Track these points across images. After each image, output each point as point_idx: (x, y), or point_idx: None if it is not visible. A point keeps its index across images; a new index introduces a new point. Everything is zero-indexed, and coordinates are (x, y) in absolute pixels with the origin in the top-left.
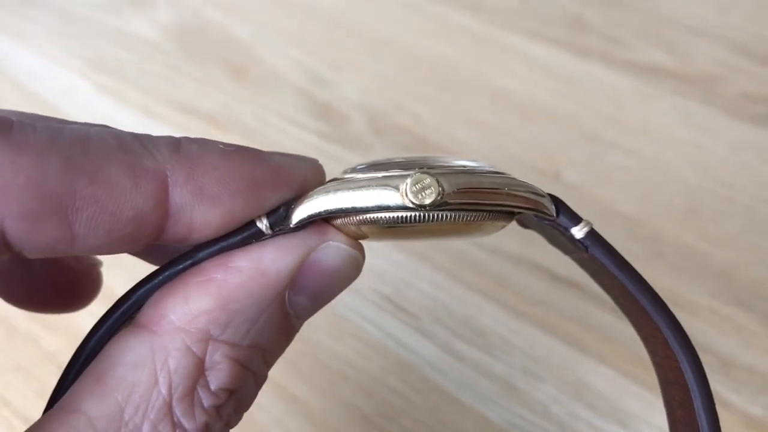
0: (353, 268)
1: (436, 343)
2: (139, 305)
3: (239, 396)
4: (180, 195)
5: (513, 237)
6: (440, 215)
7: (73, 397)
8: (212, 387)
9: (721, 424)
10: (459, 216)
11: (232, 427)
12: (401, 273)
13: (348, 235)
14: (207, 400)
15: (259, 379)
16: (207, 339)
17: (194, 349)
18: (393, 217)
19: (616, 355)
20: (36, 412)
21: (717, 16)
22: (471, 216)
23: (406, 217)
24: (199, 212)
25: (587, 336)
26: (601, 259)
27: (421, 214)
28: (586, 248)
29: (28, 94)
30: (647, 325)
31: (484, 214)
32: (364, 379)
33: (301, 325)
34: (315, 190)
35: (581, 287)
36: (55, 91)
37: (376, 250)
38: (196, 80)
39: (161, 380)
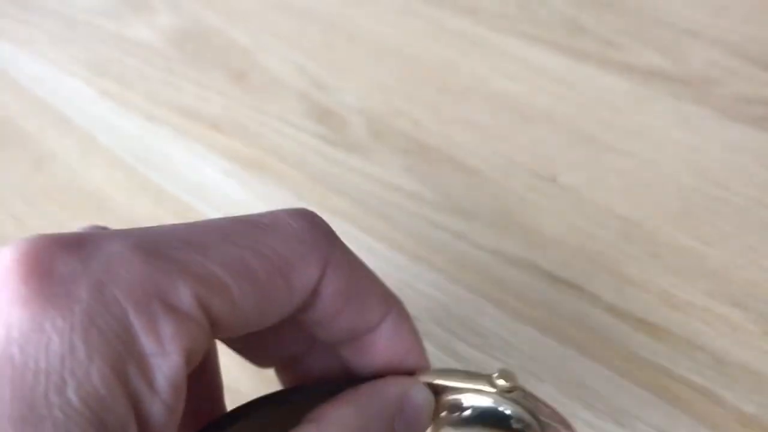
0: (429, 409)
1: (436, 343)
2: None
3: None
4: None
5: (513, 239)
6: None
7: None
8: None
9: (716, 422)
10: None
11: None
12: (401, 274)
13: None
14: None
15: None
16: None
17: None
18: None
19: (613, 354)
20: None
21: (712, 18)
22: None
23: None
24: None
25: (585, 336)
26: None
27: None
28: None
29: (31, 99)
30: None
31: None
32: None
33: None
34: None
35: (580, 289)
36: (57, 95)
37: (375, 251)
38: (198, 85)
39: None
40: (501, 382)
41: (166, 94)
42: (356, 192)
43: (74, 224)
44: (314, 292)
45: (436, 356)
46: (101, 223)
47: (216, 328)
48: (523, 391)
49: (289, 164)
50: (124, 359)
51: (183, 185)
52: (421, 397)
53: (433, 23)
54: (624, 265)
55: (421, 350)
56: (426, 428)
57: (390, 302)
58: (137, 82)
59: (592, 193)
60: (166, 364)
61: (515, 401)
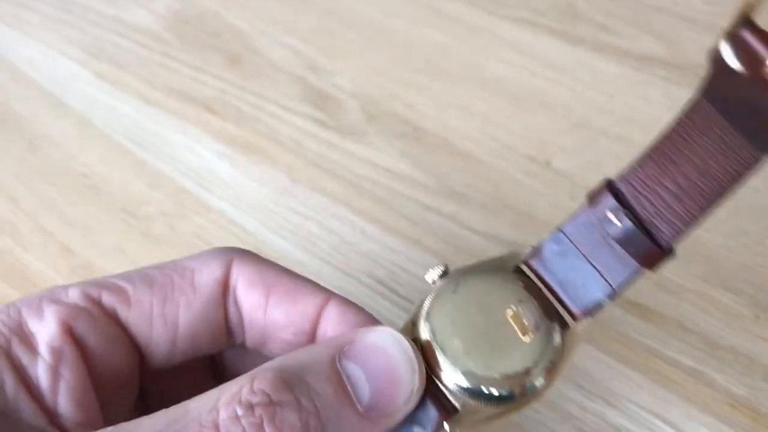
0: (404, 359)
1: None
2: None
3: (279, 410)
4: (332, 308)
5: (506, 222)
6: None
7: None
8: (254, 387)
9: (707, 403)
10: None
11: None
12: (395, 257)
13: None
14: (247, 394)
15: (303, 411)
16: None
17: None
18: None
19: (604, 336)
20: None
21: (707, 4)
22: None
23: None
24: (335, 325)
25: None
26: None
27: None
28: None
29: (27, 81)
30: None
31: None
32: None
33: (374, 414)
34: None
35: None
36: (53, 78)
37: (369, 234)
38: (193, 68)
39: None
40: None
41: (161, 77)
42: (350, 175)
43: (69, 206)
44: (225, 288)
45: None
46: (95, 206)
47: (129, 331)
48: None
49: (283, 147)
50: (9, 337)
51: (178, 167)
52: (383, 337)
53: (428, 8)
54: None
55: (374, 321)
56: (410, 382)
57: (326, 291)
58: (133, 65)
59: (585, 177)
60: (45, 331)
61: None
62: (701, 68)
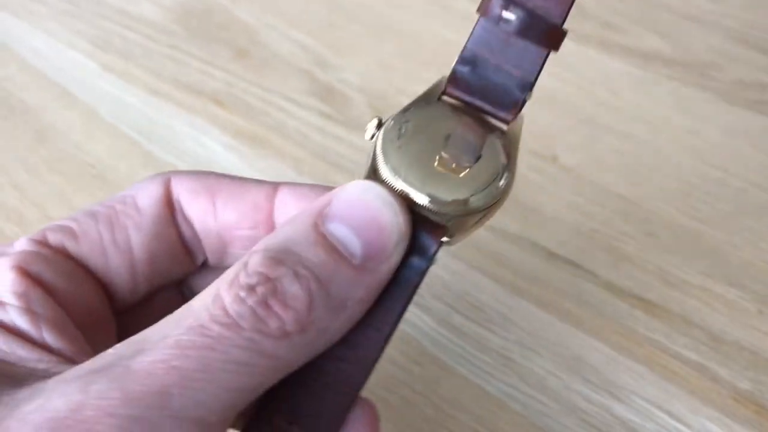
0: (382, 203)
1: (435, 317)
2: None
3: (278, 284)
4: (284, 192)
5: (512, 216)
6: None
7: None
8: (249, 270)
9: (711, 397)
10: None
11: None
12: None
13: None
14: (244, 278)
15: (302, 279)
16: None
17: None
18: None
19: (609, 330)
20: None
21: (712, 4)
22: None
23: None
24: (294, 204)
25: (581, 312)
26: None
27: None
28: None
29: (35, 73)
30: None
31: None
32: None
33: (366, 265)
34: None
35: (576, 265)
36: (61, 70)
37: None
38: (201, 61)
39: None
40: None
41: (169, 70)
42: (357, 168)
43: (76, 196)
44: (169, 203)
45: (434, 329)
46: (102, 195)
47: (85, 263)
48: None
49: (290, 140)
50: None
51: (184, 159)
52: (356, 190)
53: (436, 3)
54: (622, 243)
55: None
56: (396, 223)
57: (273, 183)
58: (140, 57)
59: (591, 173)
60: (2, 281)
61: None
62: (706, 66)
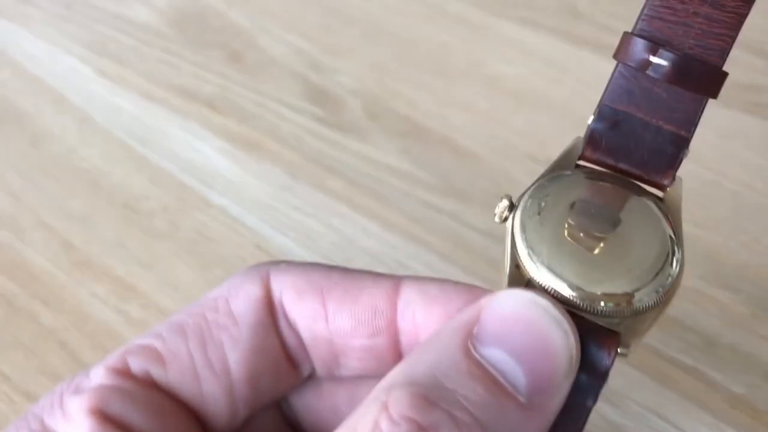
0: (548, 320)
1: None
2: None
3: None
4: (407, 291)
5: None
6: None
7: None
8: (393, 416)
9: (706, 401)
10: None
11: None
12: (395, 254)
13: None
14: (388, 428)
15: (462, 426)
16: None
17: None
18: None
19: None
20: (35, 387)
21: None
22: None
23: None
24: (421, 308)
25: None
26: None
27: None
28: None
29: (29, 77)
30: None
31: None
32: None
33: (533, 403)
34: None
35: None
36: (55, 74)
37: (370, 232)
38: (195, 65)
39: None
40: None
41: (162, 74)
42: (352, 173)
43: (70, 201)
44: (270, 307)
45: None
46: (96, 201)
47: (174, 393)
48: None
49: (284, 144)
50: None
51: (179, 164)
52: (512, 303)
53: (430, 6)
54: None
55: (477, 291)
56: (566, 344)
57: (392, 277)
58: (134, 62)
59: None
60: (71, 429)
61: None
62: None
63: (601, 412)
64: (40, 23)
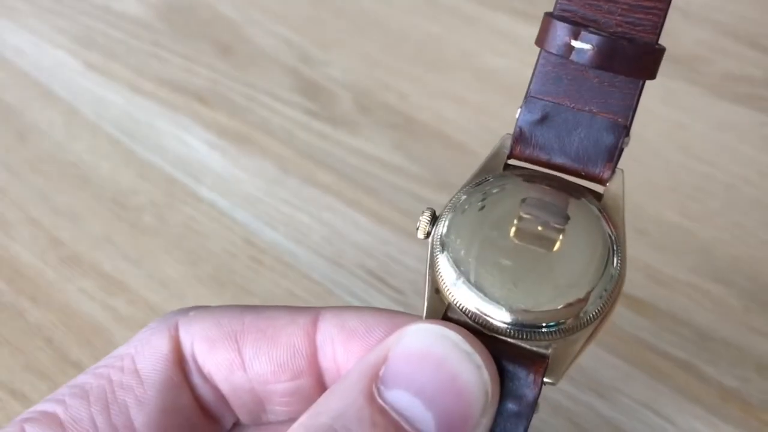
0: (457, 356)
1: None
2: None
3: None
4: (325, 326)
5: None
6: None
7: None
8: None
9: (698, 395)
10: None
11: None
12: (387, 248)
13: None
14: None
15: None
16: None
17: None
18: None
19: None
20: (22, 385)
21: None
22: None
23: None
24: (340, 344)
25: None
26: None
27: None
28: None
29: (16, 71)
30: None
31: None
32: None
33: None
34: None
35: None
36: (42, 68)
37: (361, 226)
38: (184, 58)
39: None
40: None
41: (152, 67)
42: (343, 166)
43: (58, 196)
44: (179, 361)
45: None
46: (84, 196)
47: None
48: None
49: (275, 138)
50: None
51: (168, 158)
52: (418, 339)
53: None
54: None
55: (400, 319)
56: (480, 381)
57: (309, 310)
58: (123, 55)
59: None
60: None
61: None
62: (696, 60)
63: (593, 406)
64: (27, 16)
